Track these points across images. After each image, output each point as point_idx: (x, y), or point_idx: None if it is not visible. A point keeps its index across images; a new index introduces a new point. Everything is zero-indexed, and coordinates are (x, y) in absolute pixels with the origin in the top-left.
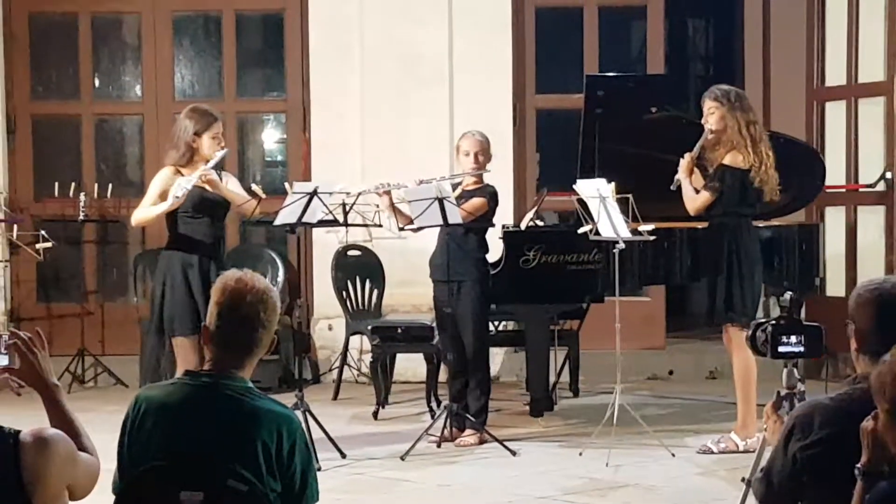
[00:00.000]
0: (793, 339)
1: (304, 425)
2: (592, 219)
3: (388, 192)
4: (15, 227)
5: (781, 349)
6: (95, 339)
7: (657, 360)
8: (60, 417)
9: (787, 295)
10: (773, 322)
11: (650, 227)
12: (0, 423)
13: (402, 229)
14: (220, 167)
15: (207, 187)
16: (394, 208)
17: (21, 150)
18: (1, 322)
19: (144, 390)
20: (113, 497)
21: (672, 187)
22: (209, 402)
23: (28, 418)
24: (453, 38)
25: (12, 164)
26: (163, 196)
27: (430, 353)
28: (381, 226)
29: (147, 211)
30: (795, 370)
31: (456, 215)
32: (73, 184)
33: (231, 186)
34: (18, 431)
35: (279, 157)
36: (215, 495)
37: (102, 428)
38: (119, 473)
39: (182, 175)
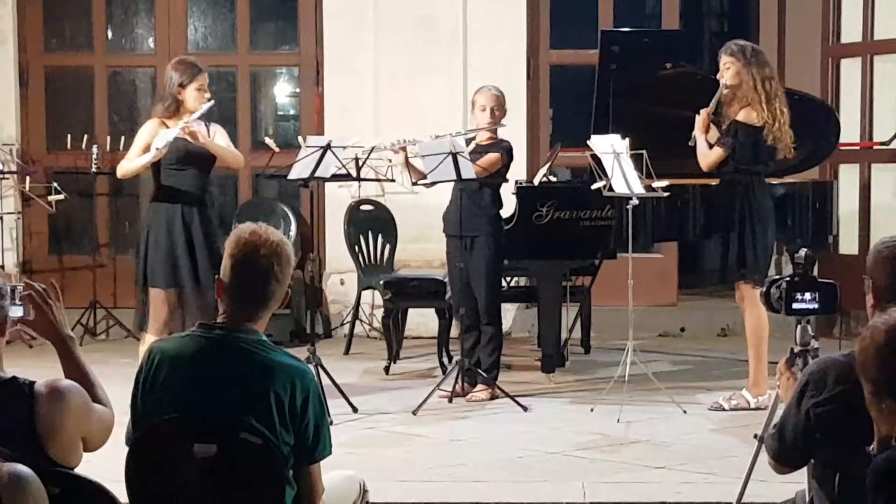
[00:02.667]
0: (807, 295)
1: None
2: (606, 175)
3: (402, 149)
4: (27, 178)
5: (796, 306)
6: (107, 291)
7: (669, 317)
8: (75, 369)
9: (802, 252)
10: (788, 279)
11: (664, 183)
12: (14, 375)
13: (415, 184)
14: (207, 119)
15: (188, 137)
16: (408, 164)
17: (34, 102)
18: (13, 274)
19: (158, 342)
20: (126, 449)
21: (690, 143)
22: (223, 355)
23: (42, 370)
24: None
25: (25, 116)
26: (148, 148)
27: (442, 308)
28: (393, 180)
29: (131, 163)
30: (809, 327)
31: (469, 170)
32: (85, 136)
33: (218, 139)
34: (33, 382)
35: (292, 111)
36: (228, 448)
37: (114, 380)
38: (133, 425)
39: (167, 127)
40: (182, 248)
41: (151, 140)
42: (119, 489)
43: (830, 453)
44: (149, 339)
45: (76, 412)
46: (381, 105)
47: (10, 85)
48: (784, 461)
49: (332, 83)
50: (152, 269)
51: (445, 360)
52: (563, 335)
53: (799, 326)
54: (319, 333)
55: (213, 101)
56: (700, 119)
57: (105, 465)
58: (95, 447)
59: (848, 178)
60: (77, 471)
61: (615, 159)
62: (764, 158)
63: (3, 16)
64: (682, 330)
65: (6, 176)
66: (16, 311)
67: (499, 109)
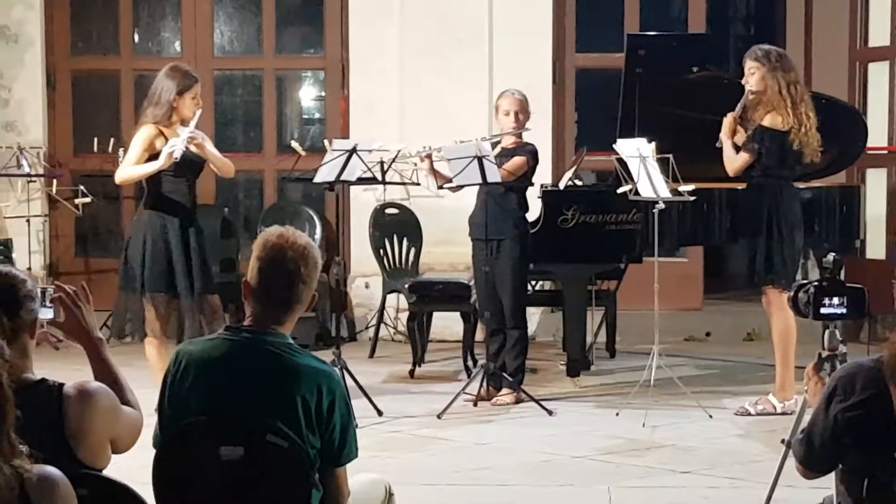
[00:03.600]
0: (835, 300)
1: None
2: (632, 178)
3: (428, 156)
4: (54, 181)
5: (823, 311)
6: None
7: (694, 321)
8: (104, 371)
9: (830, 256)
10: (816, 283)
11: (690, 187)
12: (43, 377)
13: (440, 188)
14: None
15: (193, 149)
16: (433, 170)
17: (61, 105)
18: (40, 276)
19: (185, 345)
20: (153, 451)
21: (717, 144)
22: (250, 358)
23: (70, 371)
24: None
25: (52, 120)
26: (149, 153)
27: (467, 311)
28: (418, 184)
29: (135, 169)
30: (837, 332)
31: (495, 174)
32: (111, 139)
33: (208, 147)
34: (62, 384)
35: (317, 115)
36: (255, 451)
37: (140, 383)
38: (160, 428)
39: (163, 134)
40: (178, 254)
41: (150, 146)
42: (146, 491)
43: (858, 458)
44: (152, 343)
45: (105, 414)
46: (406, 107)
47: (37, 88)
48: (812, 466)
49: (358, 86)
50: (150, 275)
51: (470, 363)
52: (589, 339)
53: (827, 331)
54: (344, 337)
55: (201, 110)
56: (726, 123)
57: (133, 467)
58: (124, 449)
59: (875, 182)
60: (105, 473)
61: (641, 163)
62: (790, 163)
63: (30, 19)
64: (708, 334)
65: (33, 179)
66: (46, 314)
67: (523, 113)
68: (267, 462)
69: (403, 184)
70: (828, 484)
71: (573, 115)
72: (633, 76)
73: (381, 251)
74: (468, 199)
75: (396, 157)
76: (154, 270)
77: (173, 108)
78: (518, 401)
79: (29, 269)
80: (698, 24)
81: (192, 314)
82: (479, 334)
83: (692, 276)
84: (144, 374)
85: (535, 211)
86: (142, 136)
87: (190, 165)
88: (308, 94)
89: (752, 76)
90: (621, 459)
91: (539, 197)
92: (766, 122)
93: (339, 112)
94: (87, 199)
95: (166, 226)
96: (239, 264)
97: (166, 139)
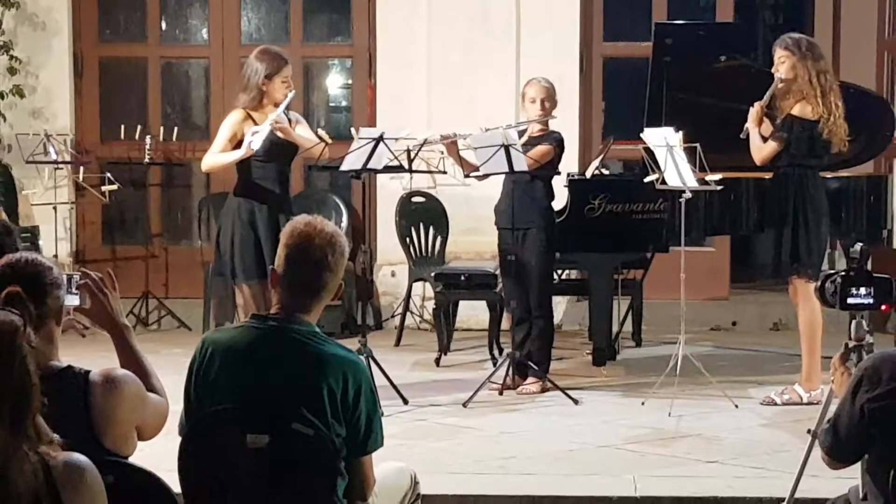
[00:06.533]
0: (862, 290)
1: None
2: (659, 168)
3: (454, 142)
4: (81, 169)
5: (850, 301)
6: (159, 281)
7: (720, 311)
8: (130, 358)
9: (858, 246)
10: (843, 273)
11: (717, 176)
12: (70, 364)
13: (467, 176)
14: (288, 109)
15: (279, 133)
16: (459, 157)
17: (88, 92)
18: (67, 263)
19: (211, 333)
20: (179, 439)
21: (742, 135)
22: (275, 346)
23: (96, 358)
24: None
25: (79, 107)
26: (233, 140)
27: (493, 300)
28: (445, 172)
29: (218, 158)
30: (864, 322)
31: (521, 162)
32: (138, 126)
33: (300, 129)
34: (88, 371)
35: (344, 103)
36: (280, 439)
37: (166, 370)
38: (185, 416)
39: (252, 118)
40: (266, 240)
41: (236, 131)
42: (172, 478)
43: (885, 449)
44: None
45: (131, 401)
46: (433, 96)
47: (64, 75)
48: (838, 456)
49: (385, 75)
50: (241, 263)
51: (496, 352)
52: (615, 328)
53: (854, 321)
54: (370, 325)
55: (294, 92)
56: (753, 112)
57: (159, 454)
58: (149, 436)
59: None
60: (131, 460)
61: (668, 152)
62: (819, 152)
63: (58, 6)
64: (734, 324)
65: (60, 166)
66: (72, 300)
67: (549, 101)
68: (292, 450)
69: (430, 172)
70: (854, 474)
71: (600, 104)
72: (660, 65)
73: (408, 239)
74: (494, 188)
75: (423, 144)
76: (245, 259)
77: (263, 92)
78: (544, 390)
79: (55, 256)
80: (726, 12)
81: None
82: (505, 323)
83: (719, 265)
84: (170, 360)
85: (561, 200)
86: (228, 121)
87: (279, 150)
88: (335, 82)
89: (783, 65)
90: (647, 449)
91: (566, 186)
92: (796, 111)
93: (366, 100)
94: (114, 187)
95: (254, 212)
96: None
97: (255, 123)
